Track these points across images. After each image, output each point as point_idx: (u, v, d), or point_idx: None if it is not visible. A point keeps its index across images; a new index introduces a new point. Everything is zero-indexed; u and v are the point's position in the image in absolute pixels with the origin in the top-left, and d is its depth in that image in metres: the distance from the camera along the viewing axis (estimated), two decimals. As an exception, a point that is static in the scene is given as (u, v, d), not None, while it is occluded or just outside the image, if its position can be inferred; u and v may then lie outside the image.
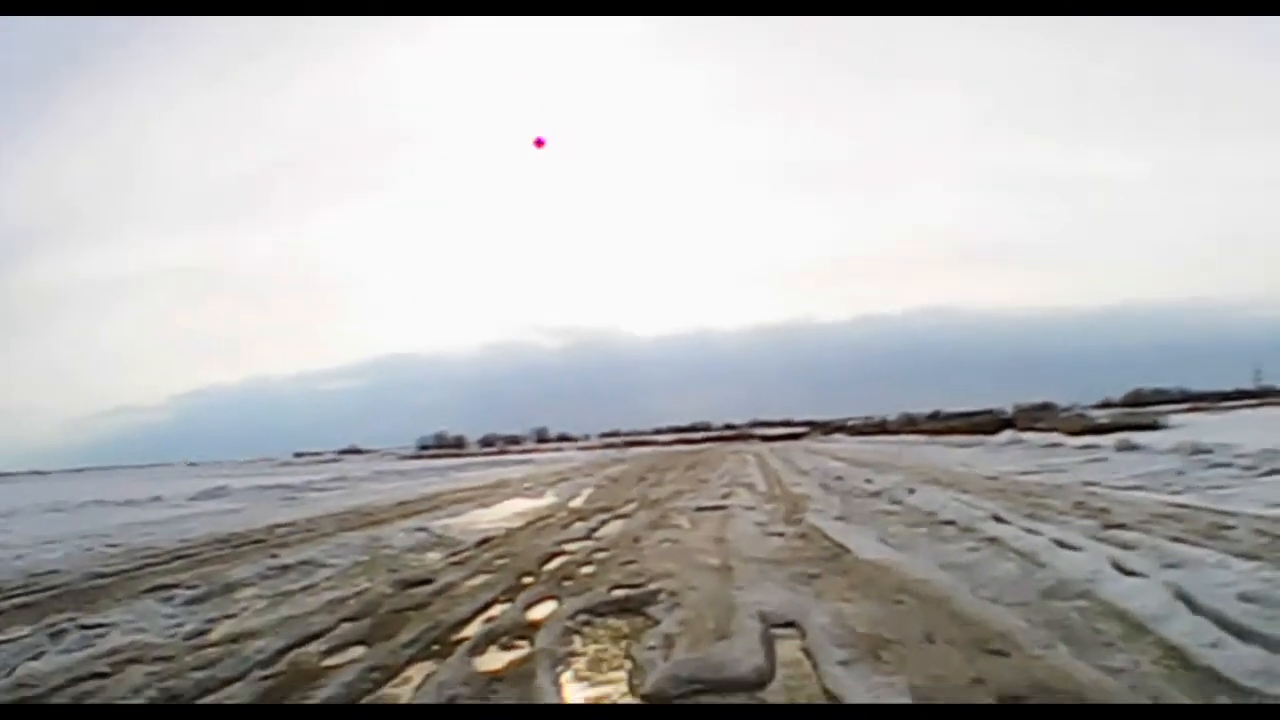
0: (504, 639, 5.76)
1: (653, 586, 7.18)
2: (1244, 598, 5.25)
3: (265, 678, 5.07)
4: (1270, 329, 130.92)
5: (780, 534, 10.19)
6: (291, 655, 5.57)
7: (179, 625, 6.74)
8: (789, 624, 5.71)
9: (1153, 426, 31.11)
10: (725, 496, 16.21)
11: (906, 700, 3.96)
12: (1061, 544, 7.68)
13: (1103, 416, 45.54)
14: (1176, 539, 7.64)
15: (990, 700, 3.95)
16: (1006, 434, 35.32)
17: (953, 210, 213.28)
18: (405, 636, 5.89)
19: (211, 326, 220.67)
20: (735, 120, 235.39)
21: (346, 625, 6.40)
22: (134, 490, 28.17)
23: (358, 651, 5.63)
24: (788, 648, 5.20)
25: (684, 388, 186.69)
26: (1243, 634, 4.65)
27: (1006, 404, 75.95)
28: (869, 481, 17.37)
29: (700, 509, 13.97)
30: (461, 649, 5.49)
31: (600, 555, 9.34)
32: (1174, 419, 36.86)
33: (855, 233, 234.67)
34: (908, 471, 20.05)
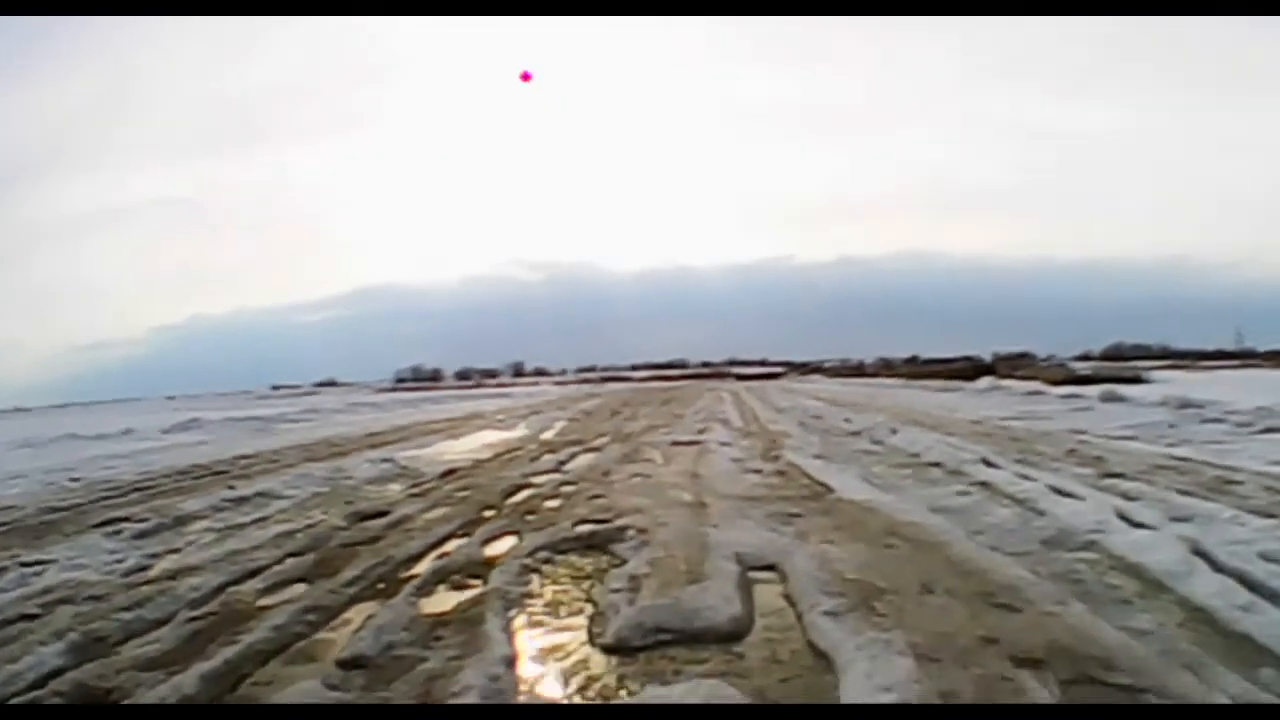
0: (455, 577, 5.38)
1: (620, 523, 6.72)
2: (1267, 557, 4.81)
3: (192, 619, 4.68)
4: (1253, 290, 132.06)
5: (757, 470, 9.76)
6: (226, 594, 5.21)
7: (120, 561, 6.41)
8: (768, 567, 5.25)
9: (1136, 380, 30.73)
10: (700, 432, 15.85)
11: (908, 659, 3.40)
12: (1059, 491, 7.23)
13: (1083, 368, 45.36)
14: (1182, 491, 7.18)
15: (1005, 661, 3.42)
16: (986, 380, 35.12)
17: (938, 156, 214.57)
18: (350, 573, 5.50)
19: (193, 259, 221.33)
20: (723, 59, 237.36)
21: (291, 561, 6.06)
22: (107, 424, 27.57)
23: (297, 590, 5.26)
24: (767, 594, 4.72)
25: (661, 324, 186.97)
26: (1275, 598, 4.17)
27: (985, 352, 76.35)
28: (848, 421, 16.99)
29: (674, 443, 13.63)
30: (408, 588, 5.09)
31: (567, 489, 8.92)
32: (1156, 374, 36.68)
33: (839, 175, 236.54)
34: (887, 412, 19.59)
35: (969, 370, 47.84)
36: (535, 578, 5.29)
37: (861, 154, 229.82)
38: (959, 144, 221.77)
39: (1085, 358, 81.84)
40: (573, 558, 5.81)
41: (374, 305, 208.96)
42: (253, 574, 5.65)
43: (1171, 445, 10.93)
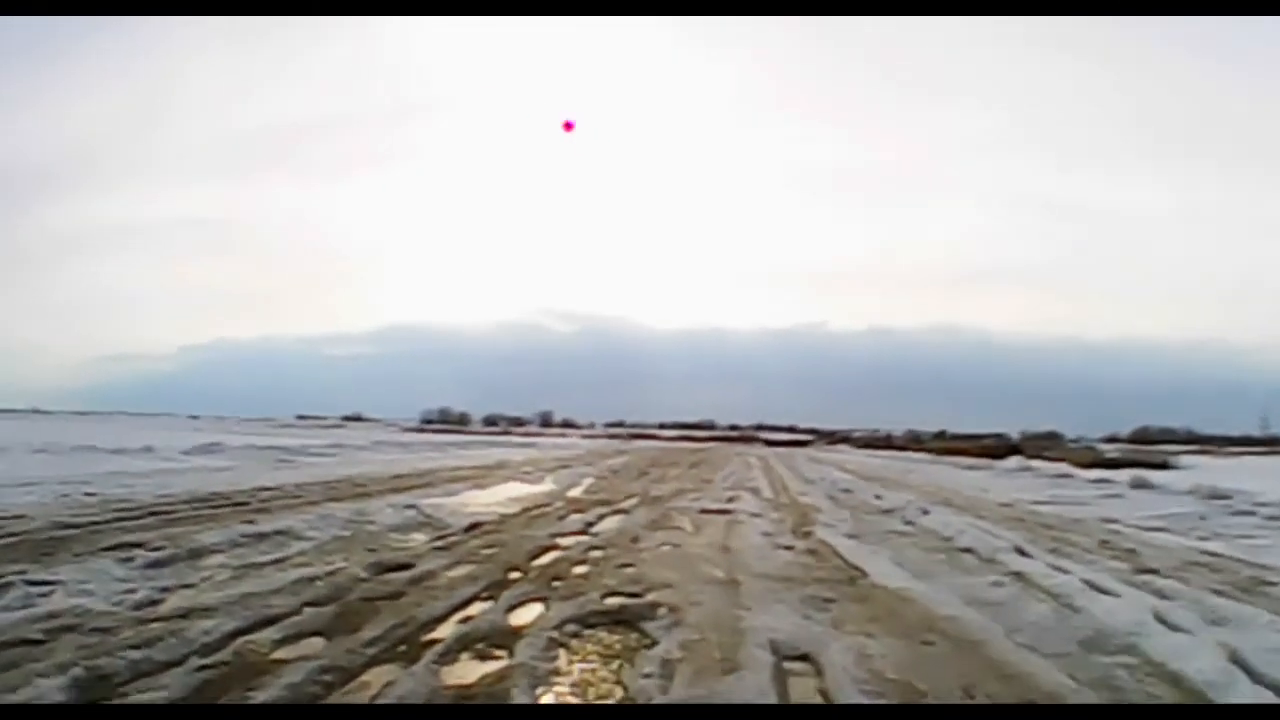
0: (480, 645, 5.25)
1: (651, 598, 6.65)
2: (1307, 669, 4.73)
3: (203, 668, 4.56)
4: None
5: (789, 547, 9.69)
6: (240, 641, 5.06)
7: (130, 592, 6.27)
8: (803, 657, 5.19)
9: (1164, 466, 30.55)
10: (730, 500, 15.75)
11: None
12: (1094, 586, 7.15)
13: (1111, 450, 45.04)
14: (1216, 591, 7.15)
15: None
16: (1014, 460, 34.92)
17: (971, 228, 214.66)
18: (371, 632, 5.38)
19: (225, 281, 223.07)
20: (761, 122, 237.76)
21: (309, 611, 5.90)
22: (128, 438, 27.69)
23: (314, 645, 5.14)
24: (803, 689, 4.66)
25: (691, 384, 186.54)
26: (1318, 714, 4.12)
27: (1012, 429, 75.94)
28: (879, 498, 16.91)
29: (704, 511, 13.54)
30: (430, 653, 4.99)
31: (595, 554, 8.81)
32: (1183, 460, 36.37)
33: (873, 243, 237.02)
34: (918, 490, 19.55)
35: (998, 449, 47.60)
36: (563, 653, 5.15)
37: (897, 223, 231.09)
38: (994, 217, 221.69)
39: (1112, 439, 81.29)
40: (601, 633, 5.69)
41: (404, 343, 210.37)
42: (269, 622, 5.51)
43: (1203, 539, 10.85)
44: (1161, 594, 6.98)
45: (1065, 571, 7.88)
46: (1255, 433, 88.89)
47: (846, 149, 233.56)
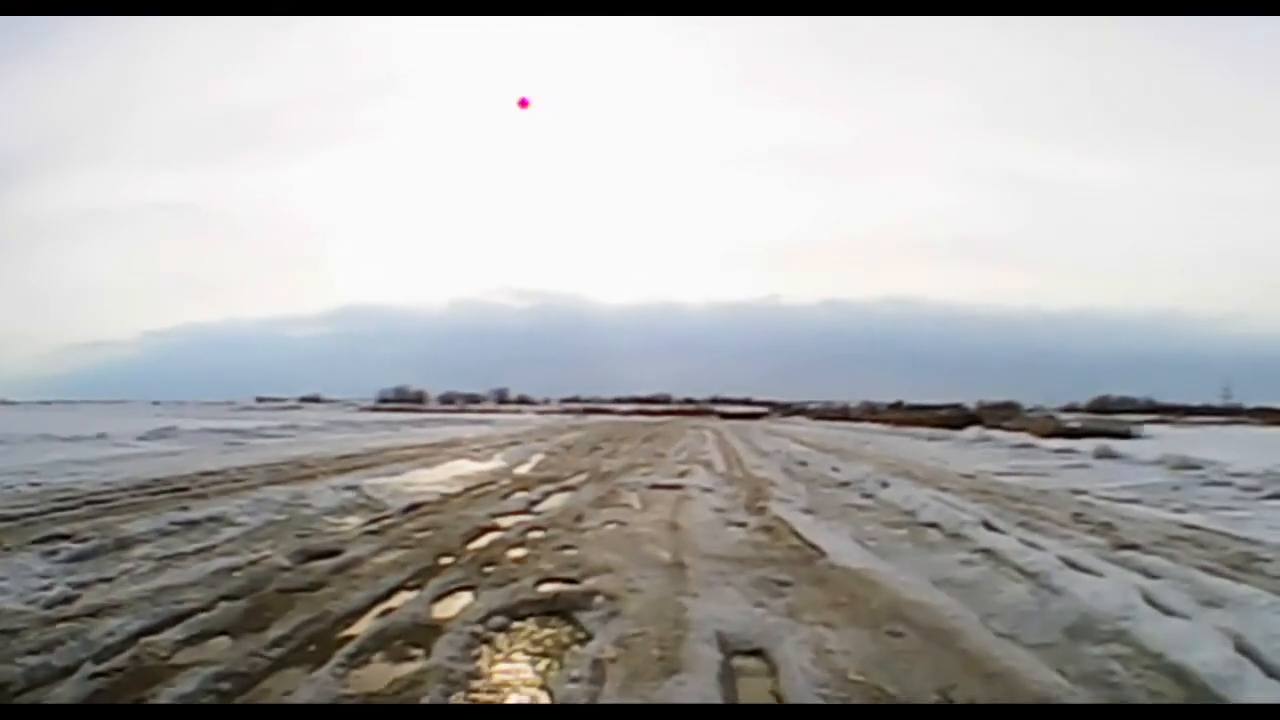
0: (396, 644, 4.73)
1: (589, 584, 6.08)
2: (1325, 660, 4.18)
3: (96, 674, 4.14)
4: (1240, 345, 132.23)
5: (742, 524, 9.12)
6: (141, 644, 4.61)
7: (46, 589, 5.83)
8: (755, 652, 4.60)
9: (1126, 435, 30.41)
10: (682, 475, 15.24)
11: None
12: (1073, 564, 6.59)
13: (1071, 420, 45.01)
14: (1207, 569, 6.58)
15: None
16: (973, 430, 34.69)
17: (927, 202, 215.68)
18: (280, 629, 4.91)
19: (188, 265, 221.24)
20: (716, 98, 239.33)
21: (222, 606, 5.43)
22: (84, 426, 27.40)
23: (218, 646, 4.66)
24: (755, 692, 4.05)
25: (646, 358, 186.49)
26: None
27: (969, 399, 76.19)
28: (835, 470, 16.35)
29: (654, 486, 13.00)
30: (339, 655, 4.45)
31: (535, 535, 8.30)
32: (1146, 429, 36.37)
33: (828, 217, 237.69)
34: (876, 462, 19.07)
35: (956, 419, 47.59)
36: (485, 651, 4.63)
37: (851, 197, 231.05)
38: (949, 190, 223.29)
39: (1071, 409, 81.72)
40: (531, 626, 5.14)
41: (362, 323, 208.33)
42: (177, 620, 5.06)
43: (1180, 511, 10.42)
44: (1147, 572, 6.43)
45: (1039, 548, 7.33)
46: (1216, 402, 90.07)
47: (801, 124, 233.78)
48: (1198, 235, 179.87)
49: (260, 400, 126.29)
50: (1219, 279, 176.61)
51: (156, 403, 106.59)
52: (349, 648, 4.56)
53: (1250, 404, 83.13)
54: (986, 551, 7.42)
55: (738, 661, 4.45)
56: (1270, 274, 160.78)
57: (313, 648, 4.62)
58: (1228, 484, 13.22)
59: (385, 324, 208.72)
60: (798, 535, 8.25)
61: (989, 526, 8.64)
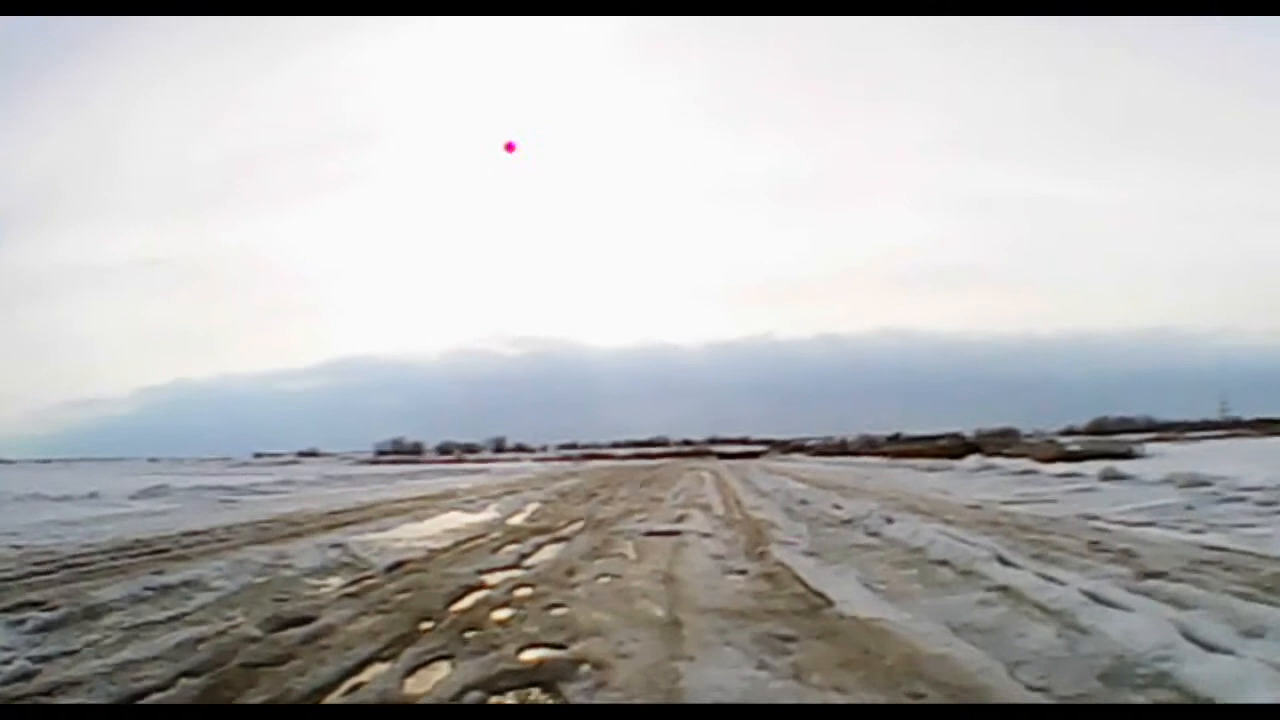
0: None
1: (576, 649, 5.58)
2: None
3: None
4: (1234, 359, 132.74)
5: (741, 571, 8.64)
6: None
7: (6, 663, 5.50)
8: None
9: (1129, 455, 30.01)
10: (679, 520, 14.75)
11: None
12: (1097, 599, 6.08)
13: (1071, 443, 44.67)
14: (1242, 595, 6.16)
15: None
16: (974, 459, 34.29)
17: (915, 232, 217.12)
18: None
19: (180, 321, 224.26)
20: (702, 137, 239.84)
21: (182, 683, 5.01)
22: (77, 485, 26.97)
23: None
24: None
25: (643, 402, 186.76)
26: None
27: (967, 428, 75.46)
28: (838, 507, 15.79)
29: (650, 534, 12.51)
30: None
31: (522, 593, 7.80)
32: (1148, 448, 36.02)
33: (817, 251, 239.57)
34: (878, 497, 18.61)
35: (955, 448, 47.24)
36: None
37: (840, 230, 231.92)
38: (937, 219, 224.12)
39: (1070, 432, 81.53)
40: (509, 701, 4.66)
41: (356, 375, 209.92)
42: (132, 700, 4.71)
43: (1198, 531, 10.01)
44: (1179, 603, 5.96)
45: (1059, 582, 6.82)
46: (1214, 417, 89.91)
47: (787, 160, 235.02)
48: (1185, 250, 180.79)
49: (257, 455, 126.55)
50: (1209, 293, 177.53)
51: (154, 459, 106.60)
52: None
53: (1249, 416, 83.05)
54: (1003, 589, 6.95)
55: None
56: (1261, 285, 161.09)
57: None
58: (1242, 499, 12.84)
59: (380, 375, 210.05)
60: (801, 582, 7.76)
61: (1002, 561, 8.16)
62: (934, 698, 4.31)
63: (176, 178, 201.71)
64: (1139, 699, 4.16)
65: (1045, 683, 4.47)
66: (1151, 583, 6.81)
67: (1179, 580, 6.81)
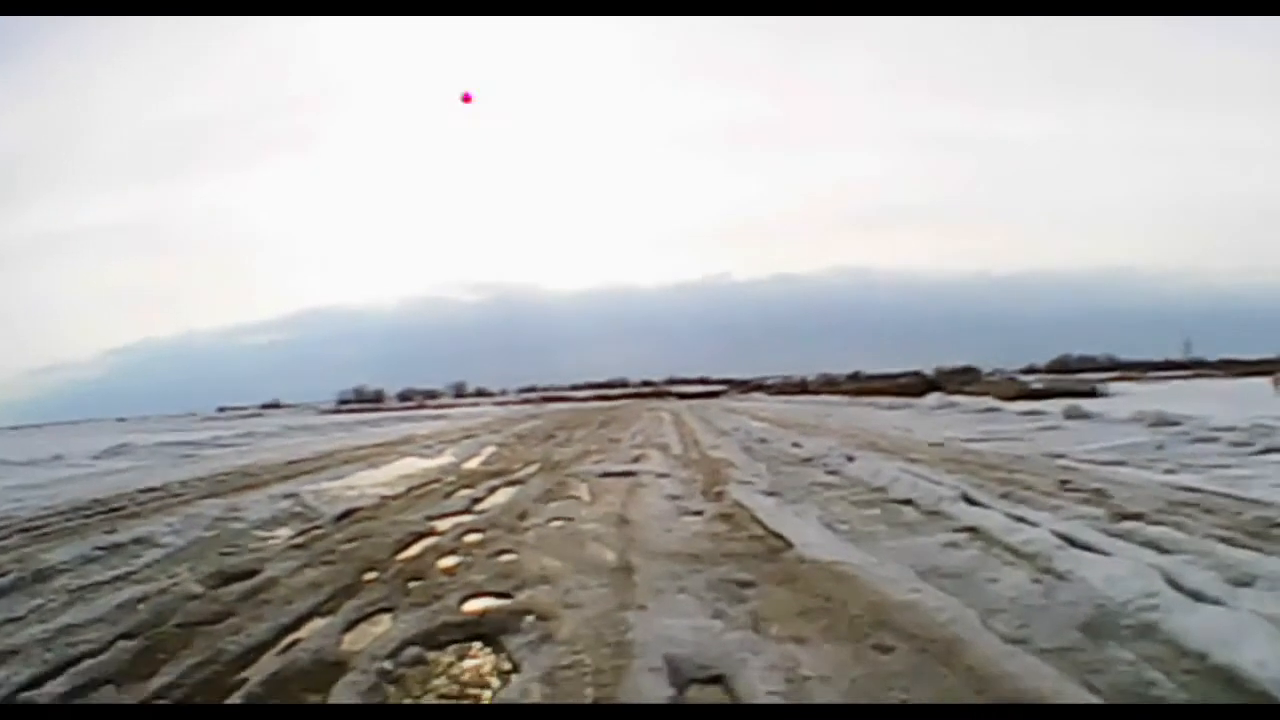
0: (291, 688, 4.06)
1: (522, 598, 5.30)
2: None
3: None
4: (1198, 298, 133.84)
5: (698, 512, 8.33)
6: (23, 698, 4.12)
7: None
8: (714, 679, 3.78)
9: (1092, 394, 30.08)
10: (635, 460, 14.46)
11: None
12: (1072, 541, 5.80)
13: (1033, 381, 44.79)
14: (1225, 539, 5.86)
15: None
16: (935, 396, 34.19)
17: (870, 170, 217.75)
18: (166, 677, 4.26)
19: (143, 282, 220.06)
20: (655, 81, 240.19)
21: (119, 646, 4.82)
22: (43, 449, 26.65)
23: (98, 699, 4.06)
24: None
25: (602, 344, 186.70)
26: None
27: (927, 366, 75.64)
28: (797, 445, 15.59)
29: (605, 475, 12.20)
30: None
31: (471, 539, 7.52)
32: (1111, 386, 36.12)
33: (772, 192, 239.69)
34: (838, 435, 18.45)
35: (916, 386, 47.44)
36: (392, 692, 3.91)
37: (794, 170, 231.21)
38: (891, 158, 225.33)
39: (1031, 370, 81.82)
40: (448, 658, 4.33)
41: (318, 327, 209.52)
42: (65, 666, 4.47)
43: (1171, 472, 9.71)
44: (1158, 546, 5.67)
45: (1030, 523, 6.54)
46: (1178, 357, 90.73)
47: (740, 100, 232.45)
48: (1147, 189, 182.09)
49: (221, 410, 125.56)
50: (1171, 232, 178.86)
51: (121, 419, 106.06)
52: (234, 699, 3.93)
53: (1213, 357, 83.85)
54: (972, 530, 6.66)
55: (693, 694, 3.64)
56: (1225, 225, 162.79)
57: (198, 699, 3.98)
58: (1214, 440, 12.60)
59: (340, 326, 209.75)
60: (760, 523, 7.42)
61: (969, 500, 7.92)
62: (902, 650, 3.96)
63: (135, 141, 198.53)
64: (1126, 654, 3.83)
65: (1023, 633, 4.13)
66: (1128, 525, 6.52)
67: (1157, 523, 6.51)
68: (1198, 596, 4.41)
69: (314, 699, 3.85)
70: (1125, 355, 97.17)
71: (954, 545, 6.23)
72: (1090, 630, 4.15)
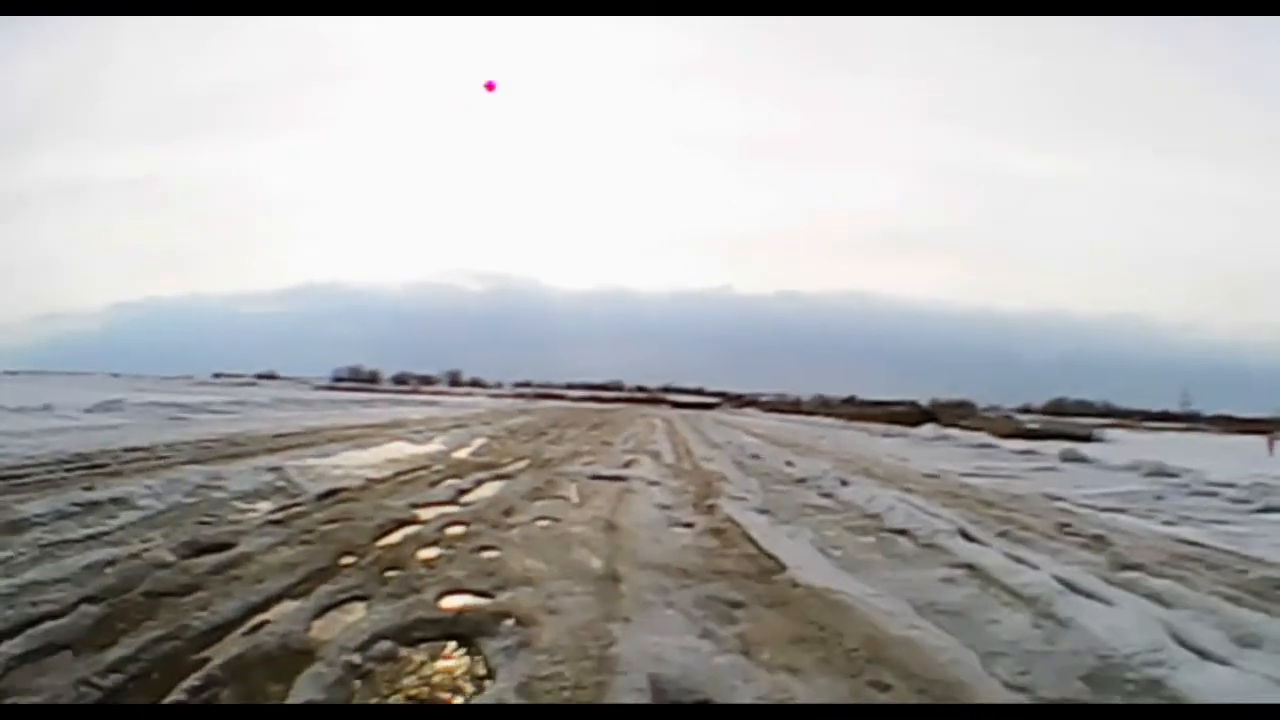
0: (252, 674, 3.86)
1: (502, 599, 5.10)
2: None
3: None
4: (1200, 352, 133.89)
5: (689, 524, 8.18)
6: None
7: None
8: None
9: (1088, 438, 29.94)
10: (627, 465, 14.35)
11: None
12: (1073, 587, 5.62)
13: (1029, 420, 44.76)
14: (1230, 598, 5.70)
15: None
16: (930, 427, 34.17)
17: (882, 196, 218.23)
18: (126, 648, 4.08)
19: (152, 240, 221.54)
20: (677, 87, 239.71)
21: (81, 609, 4.62)
22: (36, 398, 26.45)
23: (50, 666, 3.87)
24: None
25: (600, 345, 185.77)
26: None
27: (922, 396, 75.51)
28: (790, 465, 15.53)
29: (596, 477, 12.03)
30: (179, 690, 3.61)
31: (454, 531, 7.35)
32: (1107, 433, 36.04)
33: (783, 208, 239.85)
34: (832, 458, 18.33)
35: (912, 415, 47.39)
36: (358, 689, 3.71)
37: (807, 189, 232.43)
38: (906, 185, 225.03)
39: (1027, 410, 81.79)
40: (420, 656, 4.15)
41: (319, 302, 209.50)
42: (25, 627, 4.26)
43: (1171, 524, 9.60)
44: (1161, 600, 5.51)
45: (1029, 564, 6.37)
46: (1175, 409, 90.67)
47: (758, 115, 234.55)
48: (1157, 239, 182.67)
49: (217, 376, 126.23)
50: (1181, 285, 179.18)
51: (116, 375, 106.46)
52: (194, 678, 3.70)
53: (1210, 412, 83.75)
54: (969, 568, 6.49)
55: (676, 722, 3.43)
56: (1231, 281, 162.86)
57: (156, 676, 3.79)
58: (1213, 494, 12.54)
59: (343, 303, 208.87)
60: (752, 541, 7.27)
61: (966, 536, 7.77)
62: (900, 689, 3.81)
63: (156, 102, 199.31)
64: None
65: (1025, 680, 3.99)
66: (1130, 574, 6.36)
67: (1160, 575, 6.36)
68: (1204, 655, 4.27)
69: (274, 689, 3.66)
70: (1121, 403, 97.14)
71: (951, 581, 6.08)
72: (1094, 682, 4.01)
